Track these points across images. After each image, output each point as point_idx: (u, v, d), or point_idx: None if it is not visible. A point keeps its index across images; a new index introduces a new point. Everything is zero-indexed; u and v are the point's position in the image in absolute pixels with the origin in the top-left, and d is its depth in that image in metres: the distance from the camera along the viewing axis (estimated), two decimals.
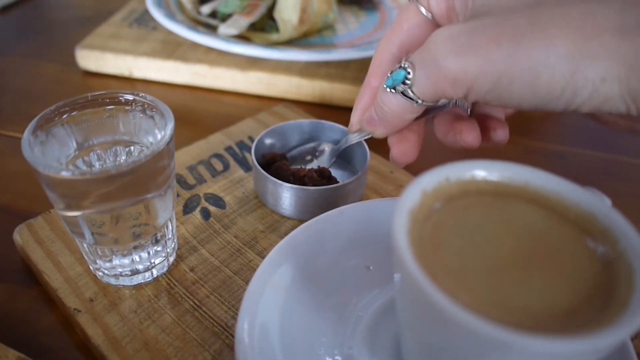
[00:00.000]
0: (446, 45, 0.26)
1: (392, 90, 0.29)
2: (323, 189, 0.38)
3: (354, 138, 0.36)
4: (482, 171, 0.27)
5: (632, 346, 0.28)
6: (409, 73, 0.28)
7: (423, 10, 0.31)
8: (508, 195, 0.26)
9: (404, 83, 0.28)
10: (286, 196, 0.39)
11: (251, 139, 0.47)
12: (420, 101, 0.28)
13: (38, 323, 0.35)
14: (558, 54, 0.25)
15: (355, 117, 0.34)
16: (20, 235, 0.37)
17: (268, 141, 0.43)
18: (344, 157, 0.44)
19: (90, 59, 0.59)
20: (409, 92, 0.28)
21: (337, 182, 0.40)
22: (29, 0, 0.77)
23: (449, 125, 0.32)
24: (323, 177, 0.40)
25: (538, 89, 0.26)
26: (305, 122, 0.44)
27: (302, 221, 0.38)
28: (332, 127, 0.44)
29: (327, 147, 0.43)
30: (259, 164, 0.40)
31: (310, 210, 0.38)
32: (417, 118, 0.32)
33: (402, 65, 0.28)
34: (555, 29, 0.25)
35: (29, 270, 0.38)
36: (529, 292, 0.22)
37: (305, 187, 0.38)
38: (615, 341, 0.20)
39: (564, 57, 0.25)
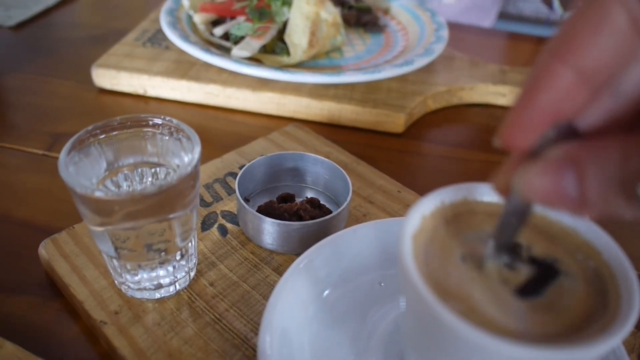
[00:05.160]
0: None
1: None
2: (320, 220, 0.39)
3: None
4: (473, 193, 0.29)
5: (625, 350, 0.30)
6: None
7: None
8: (497, 215, 0.28)
9: None
10: (293, 234, 0.39)
11: None
12: None
13: (62, 334, 0.36)
14: None
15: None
16: (46, 250, 0.39)
17: (251, 176, 0.44)
18: (327, 187, 0.45)
19: (105, 77, 0.61)
20: None
21: (328, 209, 0.42)
22: (39, 19, 0.79)
23: None
24: (314, 206, 0.42)
25: None
26: (288, 154, 0.45)
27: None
28: (316, 160, 0.45)
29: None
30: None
31: (309, 242, 0.37)
32: None
33: None
34: None
35: (52, 283, 0.40)
36: (521, 304, 0.24)
37: (306, 222, 0.39)
38: (608, 348, 0.22)
39: None
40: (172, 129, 0.34)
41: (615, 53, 0.19)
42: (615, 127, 0.21)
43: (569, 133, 0.21)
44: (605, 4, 0.18)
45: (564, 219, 0.27)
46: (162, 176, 0.35)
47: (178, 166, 0.34)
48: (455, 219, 0.28)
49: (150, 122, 0.34)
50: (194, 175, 0.32)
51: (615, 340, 0.22)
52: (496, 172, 0.23)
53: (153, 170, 0.35)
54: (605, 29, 0.18)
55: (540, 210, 0.28)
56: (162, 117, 0.34)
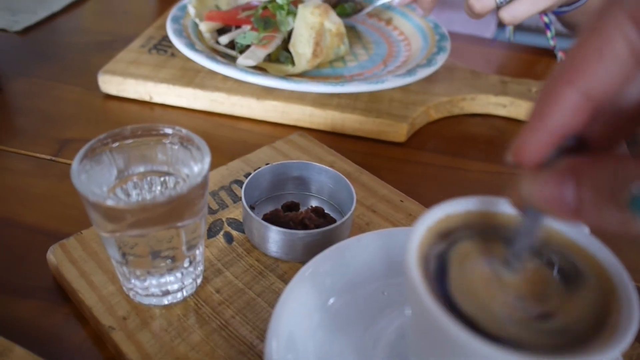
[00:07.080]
0: None
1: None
2: (326, 229, 0.40)
3: None
4: (475, 206, 0.29)
5: None
6: None
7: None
8: (499, 227, 0.29)
9: None
10: (298, 243, 0.40)
11: None
12: None
13: (71, 339, 0.37)
14: None
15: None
16: (54, 255, 0.40)
17: (256, 184, 0.44)
18: (331, 196, 0.46)
19: (111, 84, 0.62)
20: None
21: (332, 218, 0.43)
22: (45, 24, 0.79)
23: None
24: (319, 215, 0.43)
25: None
26: (293, 163, 0.46)
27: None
28: (320, 169, 0.46)
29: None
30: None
31: (314, 251, 0.38)
32: None
33: None
34: None
35: (60, 288, 0.40)
36: (525, 313, 0.25)
37: (311, 230, 0.40)
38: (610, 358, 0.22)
39: None
40: (183, 139, 0.35)
41: (616, 77, 0.21)
42: (617, 135, 0.23)
43: (577, 144, 0.23)
44: (607, 33, 0.20)
45: (566, 231, 0.28)
46: (171, 185, 0.36)
47: (187, 175, 0.35)
48: (459, 230, 0.29)
49: (161, 132, 0.35)
50: (203, 184, 0.33)
51: (615, 352, 0.22)
52: (511, 187, 0.25)
53: (162, 179, 0.36)
54: (608, 56, 0.20)
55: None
56: (173, 127, 0.35)
